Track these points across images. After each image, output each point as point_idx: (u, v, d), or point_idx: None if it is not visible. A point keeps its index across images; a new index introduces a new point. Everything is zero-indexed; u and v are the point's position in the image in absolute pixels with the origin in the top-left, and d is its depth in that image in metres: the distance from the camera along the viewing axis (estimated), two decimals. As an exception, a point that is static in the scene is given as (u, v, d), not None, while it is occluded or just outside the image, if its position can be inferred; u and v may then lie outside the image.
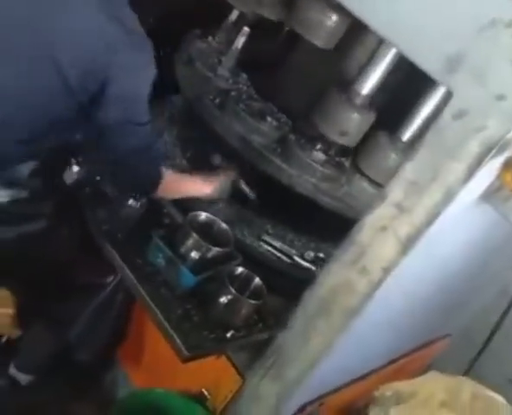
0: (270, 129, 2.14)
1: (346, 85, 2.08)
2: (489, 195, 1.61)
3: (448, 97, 1.46)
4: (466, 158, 1.44)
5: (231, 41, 2.28)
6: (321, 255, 2.26)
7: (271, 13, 2.25)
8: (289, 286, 2.09)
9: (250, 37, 2.29)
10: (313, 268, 2.20)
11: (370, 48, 2.03)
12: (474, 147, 1.43)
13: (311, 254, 2.25)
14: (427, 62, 1.48)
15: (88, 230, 1.97)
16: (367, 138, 2.14)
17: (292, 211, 2.23)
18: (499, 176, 1.54)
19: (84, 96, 1.73)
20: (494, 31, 1.37)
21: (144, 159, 1.87)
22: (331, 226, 2.21)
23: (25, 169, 1.81)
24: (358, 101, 2.06)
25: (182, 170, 2.28)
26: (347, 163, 2.19)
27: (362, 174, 2.17)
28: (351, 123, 2.06)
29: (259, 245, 2.19)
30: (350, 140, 2.11)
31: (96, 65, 1.70)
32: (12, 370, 2.17)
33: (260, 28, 2.31)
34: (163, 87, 2.30)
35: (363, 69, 2.05)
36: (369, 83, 2.05)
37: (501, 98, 1.38)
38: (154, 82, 1.78)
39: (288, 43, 2.50)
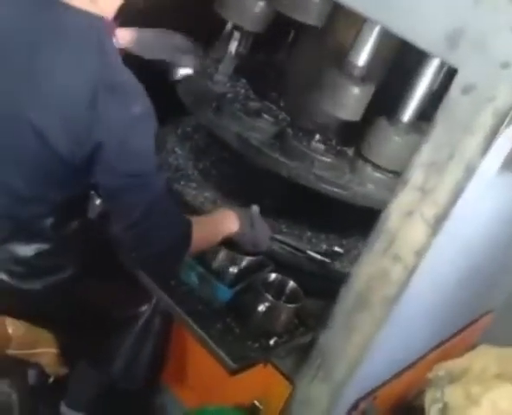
0: (266, 125, 2.17)
1: (341, 60, 2.06)
2: (510, 164, 1.61)
3: (442, 69, 1.43)
4: (481, 131, 1.44)
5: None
6: (337, 249, 2.28)
7: (248, 25, 2.30)
8: (320, 285, 2.10)
9: (250, 46, 2.35)
10: (327, 260, 2.20)
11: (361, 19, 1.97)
12: (487, 118, 1.43)
13: (324, 247, 2.26)
14: (427, 42, 1.48)
15: (117, 263, 1.93)
16: (367, 125, 2.13)
17: (305, 208, 2.25)
18: (516, 144, 1.54)
19: (76, 160, 1.63)
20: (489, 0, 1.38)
21: (163, 211, 1.73)
22: (345, 220, 2.27)
23: (47, 221, 1.79)
24: (355, 73, 2.03)
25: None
26: (349, 152, 2.19)
27: (366, 160, 2.15)
28: (350, 95, 2.03)
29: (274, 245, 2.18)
30: (351, 114, 2.08)
31: (81, 126, 1.58)
32: (63, 408, 2.20)
33: (260, 35, 2.36)
34: (175, 109, 2.36)
35: (356, 40, 2.01)
36: (364, 53, 2.01)
37: (505, 65, 1.38)
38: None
39: (289, 47, 2.54)
